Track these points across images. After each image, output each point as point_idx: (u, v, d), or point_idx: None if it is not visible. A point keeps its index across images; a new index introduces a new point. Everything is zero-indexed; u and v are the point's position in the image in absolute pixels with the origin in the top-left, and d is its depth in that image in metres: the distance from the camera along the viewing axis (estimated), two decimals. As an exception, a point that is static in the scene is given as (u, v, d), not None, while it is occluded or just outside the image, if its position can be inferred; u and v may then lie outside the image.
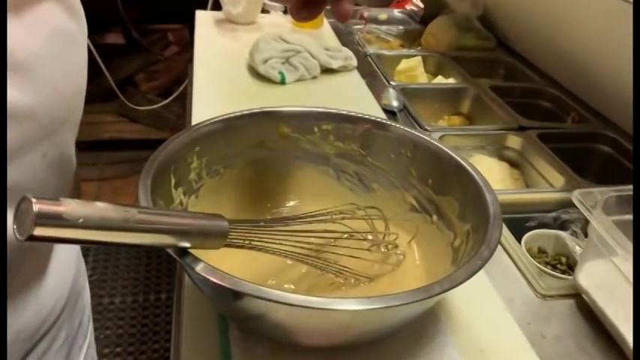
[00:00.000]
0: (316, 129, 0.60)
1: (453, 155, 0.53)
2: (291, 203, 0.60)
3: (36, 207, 0.29)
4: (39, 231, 0.29)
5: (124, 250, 1.91)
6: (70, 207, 0.30)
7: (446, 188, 0.53)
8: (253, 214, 0.58)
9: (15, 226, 0.29)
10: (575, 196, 0.53)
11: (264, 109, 0.58)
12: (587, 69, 0.99)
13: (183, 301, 0.54)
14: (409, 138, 0.57)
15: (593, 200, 0.52)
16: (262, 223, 0.43)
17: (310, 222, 0.48)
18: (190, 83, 1.04)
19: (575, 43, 1.00)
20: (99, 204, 0.32)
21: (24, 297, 0.47)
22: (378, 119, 0.59)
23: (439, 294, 0.37)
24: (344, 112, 0.60)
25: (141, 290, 1.77)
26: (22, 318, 0.45)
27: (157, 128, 2.39)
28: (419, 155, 0.56)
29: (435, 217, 0.54)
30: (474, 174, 0.50)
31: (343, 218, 0.50)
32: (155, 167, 0.46)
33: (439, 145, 0.55)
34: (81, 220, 0.31)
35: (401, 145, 0.57)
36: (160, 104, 2.15)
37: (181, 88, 1.94)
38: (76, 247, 0.59)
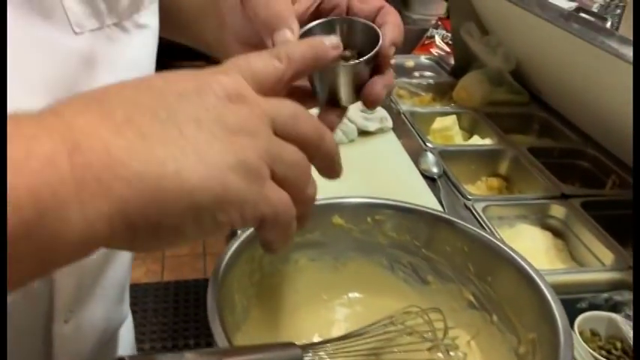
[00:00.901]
0: (369, 219, 0.60)
1: (515, 257, 0.52)
2: (350, 295, 0.60)
3: (134, 371, 0.29)
4: (137, 394, 0.29)
5: (152, 294, 1.92)
6: (164, 365, 0.31)
7: (506, 289, 0.53)
8: (310, 307, 0.58)
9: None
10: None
11: (320, 202, 0.59)
12: (624, 129, 0.99)
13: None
14: (465, 232, 0.57)
15: (658, 302, 0.52)
16: (333, 343, 0.43)
17: (377, 334, 0.48)
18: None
19: (609, 100, 1.00)
20: (187, 354, 0.33)
21: None
22: (432, 211, 0.59)
23: None
24: (397, 202, 0.60)
25: (170, 336, 1.77)
26: None
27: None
28: (476, 251, 0.56)
29: (495, 317, 0.53)
30: (538, 280, 0.50)
31: (408, 332, 0.49)
32: (220, 279, 0.46)
33: (498, 243, 0.55)
34: (174, 376, 0.31)
35: (457, 238, 0.57)
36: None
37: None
38: None
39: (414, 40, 1.84)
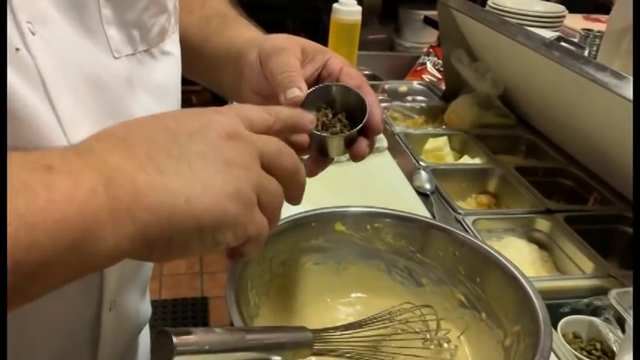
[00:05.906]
0: (368, 226, 0.65)
1: (501, 259, 0.58)
2: (351, 296, 0.65)
3: (175, 339, 0.34)
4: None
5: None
6: (199, 336, 0.36)
7: (493, 288, 0.58)
8: (315, 306, 0.63)
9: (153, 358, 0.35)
10: (613, 296, 0.58)
11: (324, 210, 0.64)
12: (604, 149, 1.05)
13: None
14: (456, 238, 0.62)
15: (630, 300, 0.57)
16: (340, 331, 0.48)
17: (377, 326, 0.53)
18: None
19: (589, 122, 1.06)
20: (217, 330, 0.38)
21: None
22: (426, 219, 0.65)
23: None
24: (394, 211, 0.66)
25: (167, 353, 1.80)
26: None
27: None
28: (466, 255, 0.61)
29: (484, 315, 0.59)
30: (521, 278, 0.55)
31: (406, 321, 0.55)
32: (237, 276, 0.52)
33: (485, 247, 0.60)
34: (207, 347, 0.36)
35: (448, 243, 0.63)
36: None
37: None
38: None
39: (406, 66, 1.92)
